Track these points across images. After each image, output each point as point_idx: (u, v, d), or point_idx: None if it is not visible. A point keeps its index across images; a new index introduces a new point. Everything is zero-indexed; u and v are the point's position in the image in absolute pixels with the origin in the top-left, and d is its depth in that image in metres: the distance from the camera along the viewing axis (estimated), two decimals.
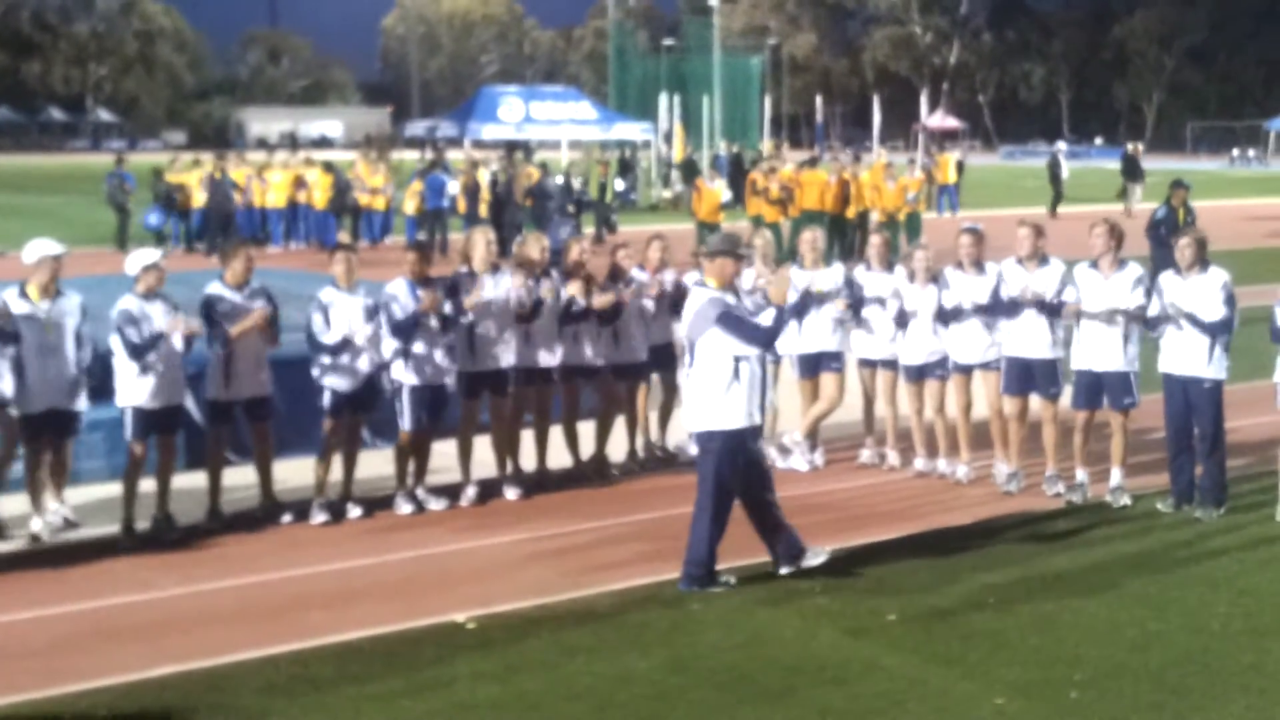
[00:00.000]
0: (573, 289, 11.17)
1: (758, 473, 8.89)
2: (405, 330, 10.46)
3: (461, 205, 30.50)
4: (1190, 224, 18.11)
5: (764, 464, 9.11)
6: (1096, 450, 10.96)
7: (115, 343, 9.81)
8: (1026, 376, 10.93)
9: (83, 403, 10.20)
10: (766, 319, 8.68)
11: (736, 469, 8.68)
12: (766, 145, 43.18)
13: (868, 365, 11.92)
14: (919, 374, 11.55)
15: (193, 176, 31.80)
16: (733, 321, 8.59)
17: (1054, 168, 41.78)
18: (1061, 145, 45.64)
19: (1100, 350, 10.59)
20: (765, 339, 8.68)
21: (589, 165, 31.34)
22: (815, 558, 8.91)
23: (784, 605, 8.45)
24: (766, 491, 8.92)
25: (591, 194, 35.15)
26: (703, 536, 8.69)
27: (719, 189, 28.88)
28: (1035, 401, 11.01)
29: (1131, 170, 42.09)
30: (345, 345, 10.35)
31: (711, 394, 8.64)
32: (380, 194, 32.85)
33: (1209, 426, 10.44)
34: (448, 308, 10.57)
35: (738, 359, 8.57)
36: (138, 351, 9.73)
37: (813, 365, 11.80)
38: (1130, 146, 44.89)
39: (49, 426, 9.99)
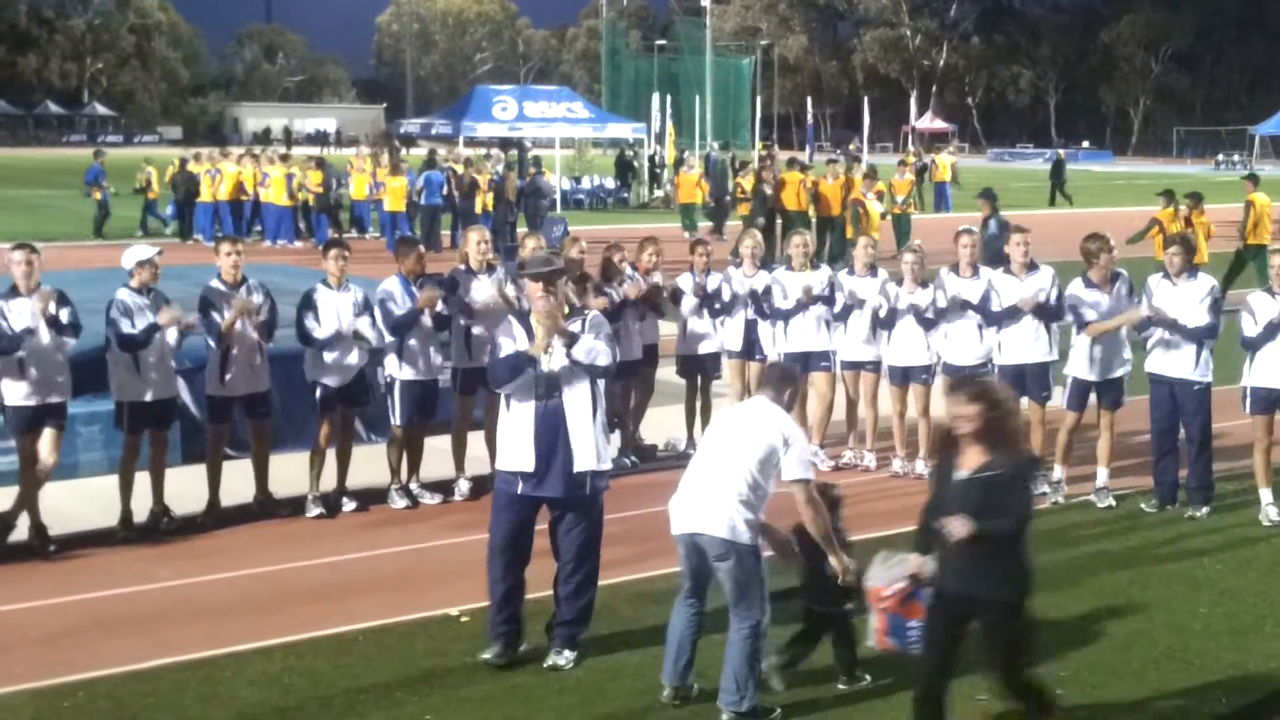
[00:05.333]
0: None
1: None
2: (402, 328, 10.57)
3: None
4: None
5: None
6: (1079, 452, 11.08)
7: (110, 334, 9.83)
8: (1018, 381, 11.06)
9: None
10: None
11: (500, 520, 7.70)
12: (759, 148, 43.14)
13: (851, 367, 12.03)
14: (904, 376, 11.66)
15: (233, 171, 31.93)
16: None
17: None
18: None
19: (1100, 356, 10.75)
20: (491, 377, 7.77)
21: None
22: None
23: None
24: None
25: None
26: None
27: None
28: (1023, 403, 11.14)
29: None
30: (335, 340, 10.44)
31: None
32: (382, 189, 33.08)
33: (1197, 428, 10.58)
34: (441, 306, 10.68)
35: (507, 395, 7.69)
36: (131, 343, 9.76)
37: (800, 365, 11.87)
38: None
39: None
